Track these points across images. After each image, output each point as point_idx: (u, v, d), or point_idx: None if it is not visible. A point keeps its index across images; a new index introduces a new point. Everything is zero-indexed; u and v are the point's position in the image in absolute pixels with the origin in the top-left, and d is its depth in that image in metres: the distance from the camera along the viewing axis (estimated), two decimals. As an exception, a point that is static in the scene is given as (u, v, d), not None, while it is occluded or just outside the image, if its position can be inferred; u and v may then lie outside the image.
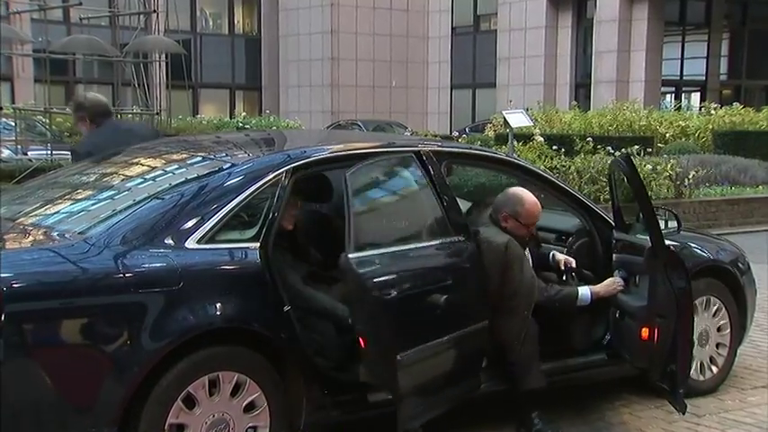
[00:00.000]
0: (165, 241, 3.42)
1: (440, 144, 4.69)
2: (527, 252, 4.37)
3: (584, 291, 4.40)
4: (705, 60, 28.67)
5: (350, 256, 3.45)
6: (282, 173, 3.79)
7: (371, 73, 31.69)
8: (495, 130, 20.49)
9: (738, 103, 21.44)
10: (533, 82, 27.81)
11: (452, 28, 32.18)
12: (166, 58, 17.04)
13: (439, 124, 31.38)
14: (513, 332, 4.11)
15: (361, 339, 3.54)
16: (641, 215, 4.37)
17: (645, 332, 4.22)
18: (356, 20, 31.07)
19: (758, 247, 9.82)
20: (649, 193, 11.57)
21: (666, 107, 24.79)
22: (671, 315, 4.14)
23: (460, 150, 4.77)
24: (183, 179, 3.85)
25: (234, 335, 3.51)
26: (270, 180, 3.75)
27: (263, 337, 3.56)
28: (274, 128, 21.89)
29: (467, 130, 25.78)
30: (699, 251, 5.06)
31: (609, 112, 20.40)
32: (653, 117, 19.71)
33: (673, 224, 5.03)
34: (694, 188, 12.81)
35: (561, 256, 4.60)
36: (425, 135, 19.08)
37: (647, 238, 4.23)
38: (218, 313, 3.44)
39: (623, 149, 12.63)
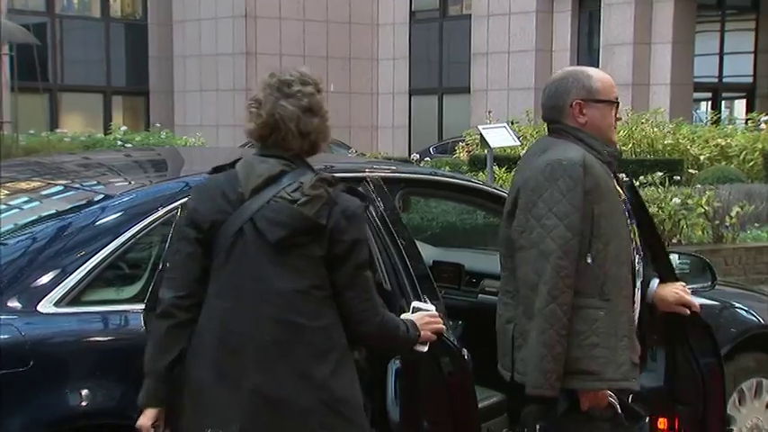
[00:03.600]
0: (9, 304, 3.40)
1: (394, 169, 4.74)
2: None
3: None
4: (752, 56, 29.08)
5: None
6: (178, 207, 3.77)
7: (300, 73, 31.80)
8: (468, 152, 20.67)
9: (799, 115, 21.83)
10: (520, 86, 28.13)
11: (411, 12, 32.50)
12: (11, 50, 16.95)
13: (393, 143, 31.56)
14: None
15: None
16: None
17: (662, 423, 4.32)
18: (279, 0, 31.28)
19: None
20: (677, 237, 11.82)
21: (700, 119, 25.23)
22: (697, 400, 4.23)
23: (422, 177, 4.82)
24: (36, 217, 3.83)
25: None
26: (160, 217, 3.76)
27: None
28: (167, 147, 21.79)
29: (431, 150, 25.98)
30: (745, 313, 5.14)
31: (622, 127, 20.63)
32: (682, 133, 20.00)
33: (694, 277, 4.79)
34: (739, 230, 12.96)
35: None
36: (376, 157, 19.16)
37: None
38: (83, 404, 3.41)
39: (642, 176, 12.79)
